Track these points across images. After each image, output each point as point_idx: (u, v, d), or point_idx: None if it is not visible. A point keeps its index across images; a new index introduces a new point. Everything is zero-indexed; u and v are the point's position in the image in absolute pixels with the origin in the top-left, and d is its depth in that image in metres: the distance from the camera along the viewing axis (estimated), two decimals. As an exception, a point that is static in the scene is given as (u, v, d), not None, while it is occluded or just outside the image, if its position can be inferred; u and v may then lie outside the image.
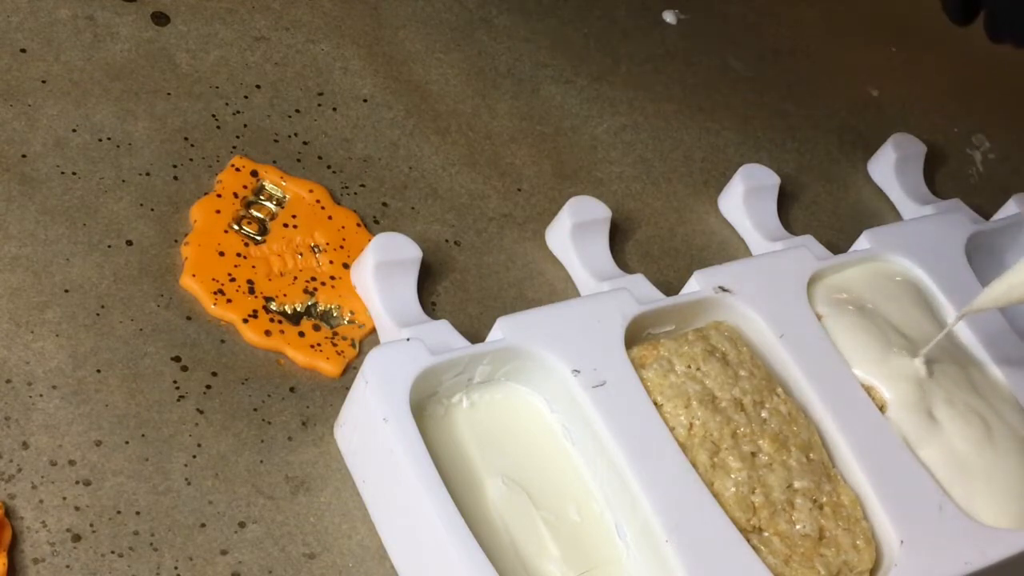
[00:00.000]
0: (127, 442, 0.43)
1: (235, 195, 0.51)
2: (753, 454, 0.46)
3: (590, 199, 0.55)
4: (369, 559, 0.43)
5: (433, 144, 0.57)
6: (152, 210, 0.49)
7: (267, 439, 0.45)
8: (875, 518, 0.47)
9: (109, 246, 0.47)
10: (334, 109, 0.56)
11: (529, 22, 0.65)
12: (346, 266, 0.50)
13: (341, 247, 0.51)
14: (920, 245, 0.57)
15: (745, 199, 0.60)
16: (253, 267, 0.49)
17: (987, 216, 0.65)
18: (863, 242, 0.57)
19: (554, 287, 0.54)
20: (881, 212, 0.66)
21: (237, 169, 0.51)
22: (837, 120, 0.70)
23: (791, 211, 0.63)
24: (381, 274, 0.49)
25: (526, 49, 0.64)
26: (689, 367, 0.48)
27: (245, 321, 0.47)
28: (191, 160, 0.51)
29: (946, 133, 0.73)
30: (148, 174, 0.50)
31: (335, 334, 0.48)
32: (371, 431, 0.43)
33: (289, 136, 0.54)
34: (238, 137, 0.53)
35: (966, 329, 0.55)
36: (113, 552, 0.40)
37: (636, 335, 0.49)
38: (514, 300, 0.53)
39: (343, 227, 0.52)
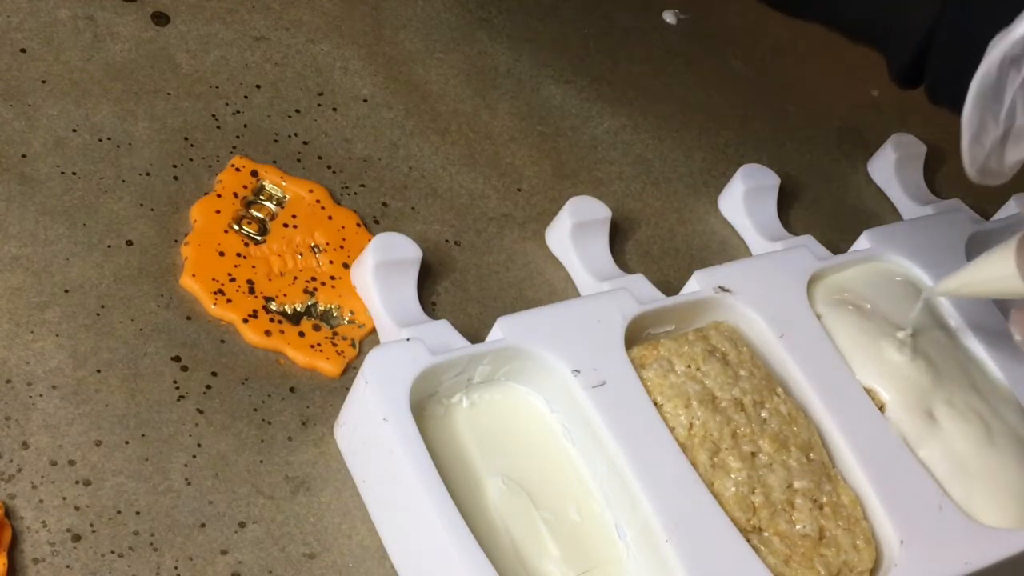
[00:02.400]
0: (127, 442, 0.43)
1: (235, 195, 0.51)
2: (753, 454, 0.46)
3: (590, 199, 0.55)
4: (369, 559, 0.43)
5: (433, 144, 0.57)
6: (152, 210, 0.49)
7: (267, 439, 0.45)
8: (875, 518, 0.47)
9: (109, 246, 0.47)
10: (334, 109, 0.56)
11: (529, 22, 0.65)
12: (346, 266, 0.50)
13: (341, 247, 0.51)
14: (920, 245, 0.57)
15: (745, 199, 0.60)
16: (253, 267, 0.49)
17: (987, 216, 0.65)
18: (863, 242, 0.57)
19: (554, 287, 0.54)
20: (881, 212, 0.66)
21: (237, 169, 0.51)
22: (837, 120, 0.70)
23: (791, 211, 0.63)
24: (381, 274, 0.49)
25: (526, 49, 0.64)
26: (689, 367, 0.48)
27: (245, 321, 0.47)
28: (191, 160, 0.51)
29: (946, 133, 0.73)
30: (148, 174, 0.50)
31: (335, 334, 0.48)
32: (371, 431, 0.43)
33: (289, 136, 0.54)
34: (238, 137, 0.53)
35: (966, 329, 0.55)
36: (113, 552, 0.40)
37: (636, 335, 0.49)
38: (514, 300, 0.53)
39: (343, 227, 0.52)
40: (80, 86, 0.51)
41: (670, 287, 0.55)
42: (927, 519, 0.47)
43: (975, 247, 0.60)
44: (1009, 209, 0.65)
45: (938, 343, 0.53)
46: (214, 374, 0.46)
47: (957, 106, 0.37)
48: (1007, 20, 0.35)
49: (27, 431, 0.42)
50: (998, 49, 0.36)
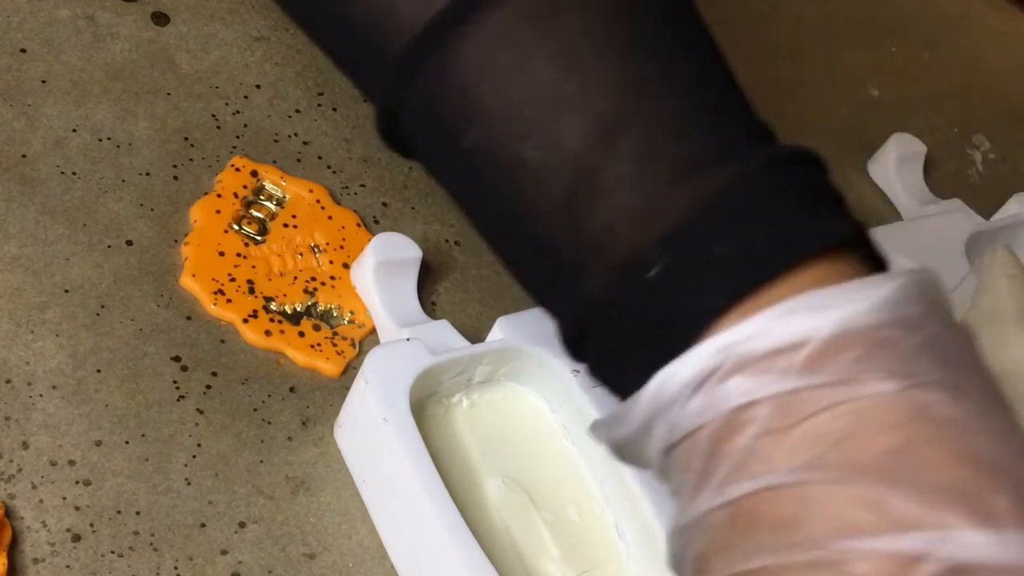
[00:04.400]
0: (127, 442, 0.43)
1: (235, 195, 0.51)
2: (753, 454, 0.46)
3: (590, 199, 0.55)
4: (369, 559, 0.43)
5: (433, 144, 0.57)
6: (152, 210, 0.49)
7: (267, 439, 0.45)
8: (875, 518, 0.47)
9: (109, 246, 0.47)
10: (334, 109, 0.56)
11: (529, 22, 0.65)
12: (346, 266, 0.50)
13: (341, 247, 0.51)
14: (920, 245, 0.57)
15: (745, 199, 0.60)
16: (253, 267, 0.49)
17: (987, 216, 0.65)
18: (863, 242, 0.57)
19: (554, 287, 0.54)
20: (881, 212, 0.66)
21: (237, 169, 0.51)
22: (837, 120, 0.70)
23: (791, 211, 0.63)
24: (381, 274, 0.49)
25: (526, 49, 0.64)
26: (689, 367, 0.47)
27: (245, 321, 0.47)
28: (191, 160, 0.51)
29: (946, 133, 0.73)
30: (148, 174, 0.50)
31: (335, 334, 0.48)
32: (371, 431, 0.43)
33: (289, 136, 0.54)
34: (238, 137, 0.53)
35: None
36: (113, 552, 0.40)
37: (636, 335, 0.49)
38: (514, 300, 0.53)
39: (343, 227, 0.52)
40: (80, 86, 0.51)
41: (670, 287, 0.55)
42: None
43: (975, 248, 0.60)
44: (1009, 209, 0.65)
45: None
46: (214, 374, 0.46)
47: (607, 383, 0.32)
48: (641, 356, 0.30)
49: (27, 431, 0.42)
50: (606, 437, 0.31)
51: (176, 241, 0.49)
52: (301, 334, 0.48)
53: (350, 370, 0.48)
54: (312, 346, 0.48)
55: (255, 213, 0.51)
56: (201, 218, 0.49)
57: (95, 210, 0.48)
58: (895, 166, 0.67)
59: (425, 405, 0.45)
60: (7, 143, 0.49)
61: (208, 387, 0.45)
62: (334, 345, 0.48)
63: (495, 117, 0.31)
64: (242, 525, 0.42)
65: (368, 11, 0.33)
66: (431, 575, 0.42)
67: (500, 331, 0.46)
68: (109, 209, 0.48)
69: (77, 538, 0.40)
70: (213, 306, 0.47)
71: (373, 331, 0.49)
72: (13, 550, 0.39)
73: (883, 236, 0.57)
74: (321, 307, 0.49)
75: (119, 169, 0.50)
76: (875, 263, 0.32)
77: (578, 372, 0.46)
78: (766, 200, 0.30)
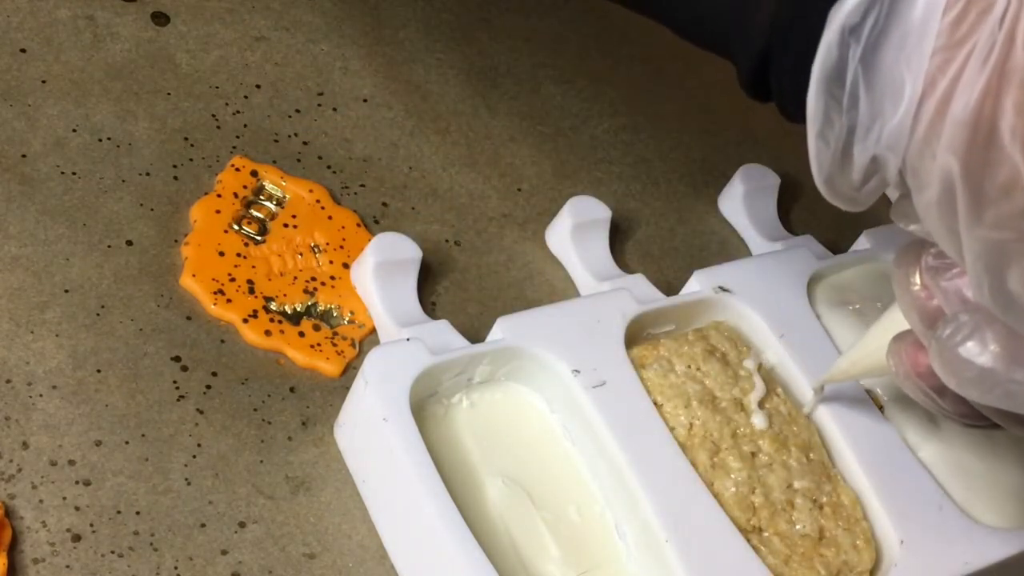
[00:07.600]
0: (127, 442, 0.43)
1: (235, 195, 0.51)
2: (753, 454, 0.46)
3: (590, 199, 0.55)
4: (369, 559, 0.43)
5: (433, 144, 0.57)
6: (152, 210, 0.49)
7: (267, 439, 0.45)
8: (875, 518, 0.47)
9: (109, 246, 0.47)
10: (334, 109, 0.56)
11: (529, 22, 0.65)
12: (346, 266, 0.50)
13: (341, 247, 0.51)
14: (920, 245, 0.57)
15: (745, 199, 0.60)
16: (253, 267, 0.49)
17: None
18: (863, 242, 0.57)
19: (554, 287, 0.54)
20: (881, 212, 0.66)
21: (237, 169, 0.52)
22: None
23: (791, 211, 0.63)
24: (381, 274, 0.49)
25: (526, 49, 0.64)
26: (689, 367, 0.48)
27: (245, 321, 0.47)
28: (191, 160, 0.51)
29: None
30: (148, 174, 0.50)
31: (335, 334, 0.48)
32: (371, 431, 0.43)
33: (289, 136, 0.54)
34: (238, 137, 0.53)
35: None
36: (113, 552, 0.40)
37: (636, 335, 0.49)
38: (514, 300, 0.53)
39: (343, 227, 0.52)
40: (80, 86, 0.51)
41: (670, 287, 0.55)
42: (927, 519, 0.47)
43: None
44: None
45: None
46: (214, 374, 0.46)
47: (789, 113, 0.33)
48: None
49: (27, 431, 0.42)
50: (837, 19, 0.31)
51: (176, 241, 0.49)
52: (301, 334, 0.48)
53: (350, 370, 0.48)
54: (312, 346, 0.48)
55: (255, 213, 0.51)
56: (201, 218, 0.49)
57: (95, 210, 0.48)
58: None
59: (425, 405, 0.45)
60: (7, 143, 0.49)
61: (208, 387, 0.45)
62: (334, 345, 0.48)
63: None
64: (242, 525, 0.42)
65: None
66: (431, 575, 0.42)
67: (500, 331, 0.46)
68: (109, 209, 0.48)
69: (77, 538, 0.40)
70: (213, 306, 0.47)
71: (373, 331, 0.49)
72: (13, 550, 0.39)
73: (883, 236, 0.57)
74: (321, 307, 0.49)
75: (119, 169, 0.50)
76: None
77: (578, 372, 0.46)
78: None
